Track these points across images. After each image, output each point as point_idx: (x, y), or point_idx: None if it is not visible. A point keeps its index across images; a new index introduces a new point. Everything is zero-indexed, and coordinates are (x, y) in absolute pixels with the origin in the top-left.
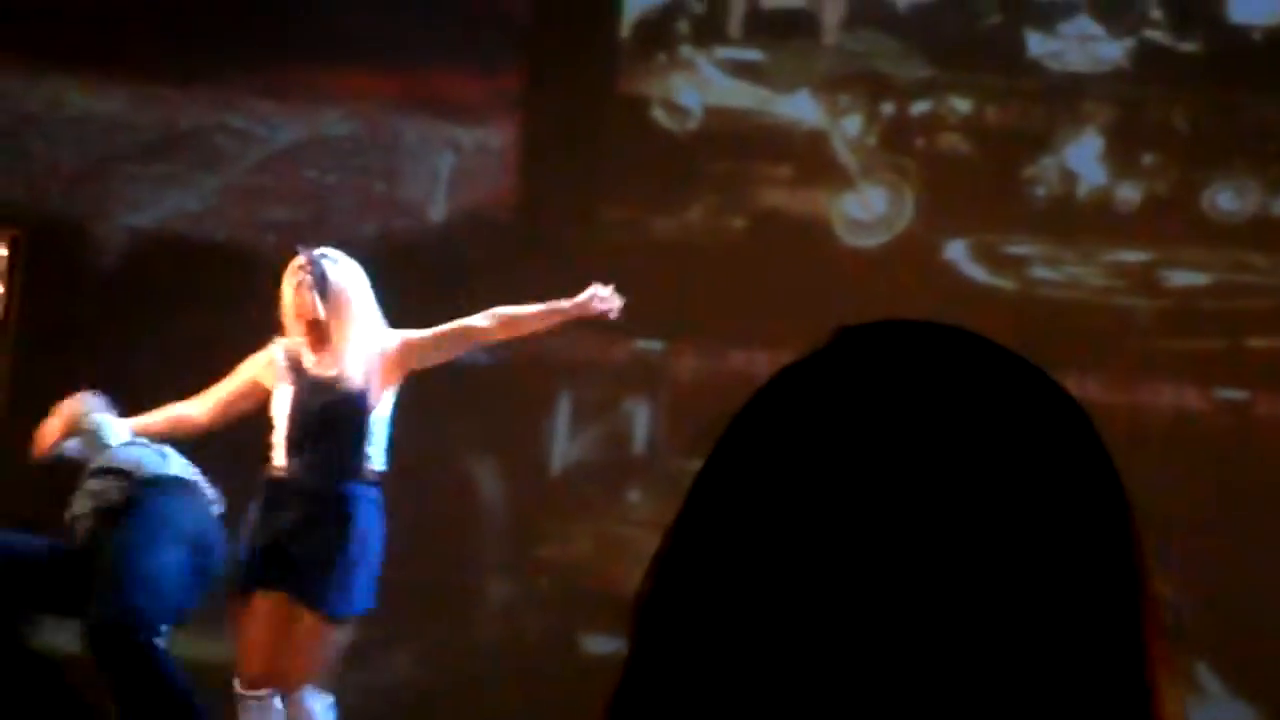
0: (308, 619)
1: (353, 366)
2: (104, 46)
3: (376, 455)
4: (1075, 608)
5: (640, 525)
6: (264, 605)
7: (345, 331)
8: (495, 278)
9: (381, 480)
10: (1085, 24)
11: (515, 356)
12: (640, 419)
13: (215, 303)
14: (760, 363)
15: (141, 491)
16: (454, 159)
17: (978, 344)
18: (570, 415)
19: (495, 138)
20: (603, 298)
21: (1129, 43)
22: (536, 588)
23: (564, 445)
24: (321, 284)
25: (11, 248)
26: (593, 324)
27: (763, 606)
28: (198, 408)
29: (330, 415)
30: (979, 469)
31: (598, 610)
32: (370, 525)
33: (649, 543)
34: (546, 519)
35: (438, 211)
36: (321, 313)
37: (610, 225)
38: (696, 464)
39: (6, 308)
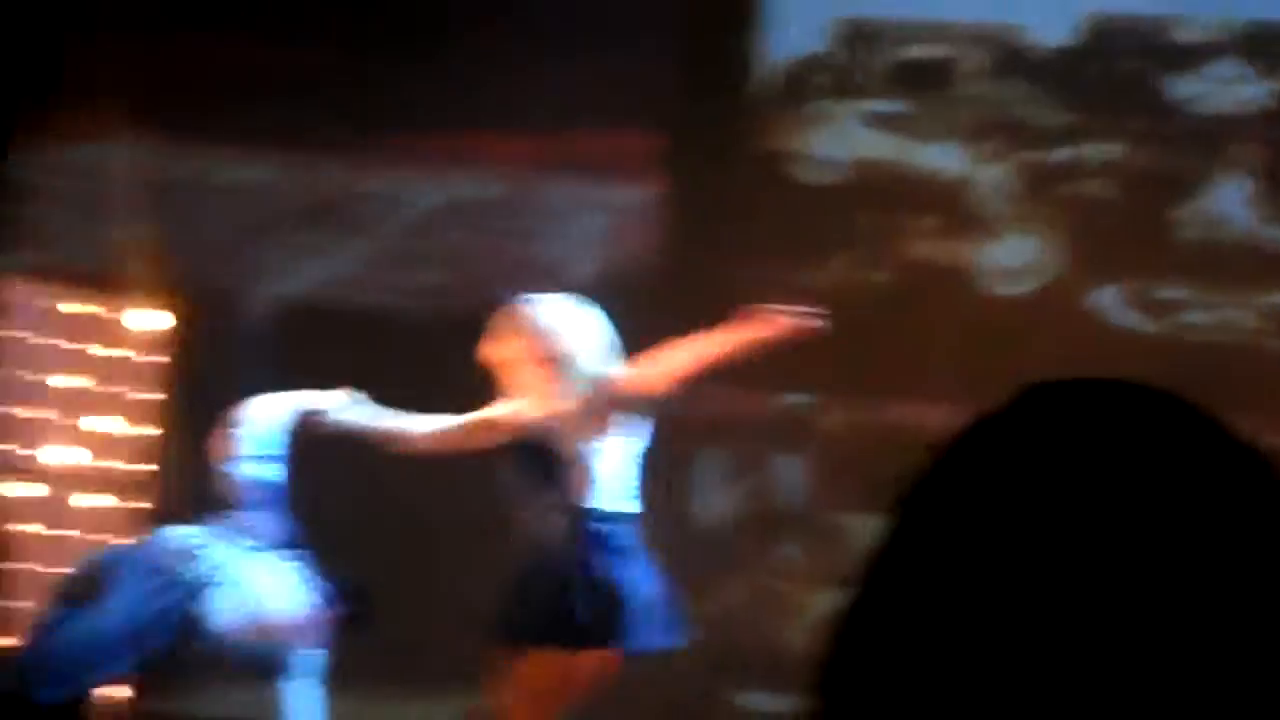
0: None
1: (555, 409)
2: (250, 117)
3: (606, 497)
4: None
5: (792, 579)
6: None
7: (547, 373)
8: (642, 337)
9: (627, 520)
10: (1229, 66)
11: (664, 412)
12: (791, 473)
13: (366, 368)
14: (910, 414)
15: None
16: (598, 219)
17: (1169, 401)
18: (721, 470)
19: (639, 197)
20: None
21: (1273, 83)
22: (690, 645)
23: (715, 500)
24: (527, 328)
25: (164, 319)
26: (741, 379)
27: (956, 668)
28: (421, 427)
29: (541, 461)
30: (1181, 534)
31: (752, 666)
32: (615, 565)
33: (802, 597)
34: (698, 575)
35: (583, 272)
36: (529, 355)
37: (755, 280)
38: (847, 517)
39: (161, 379)
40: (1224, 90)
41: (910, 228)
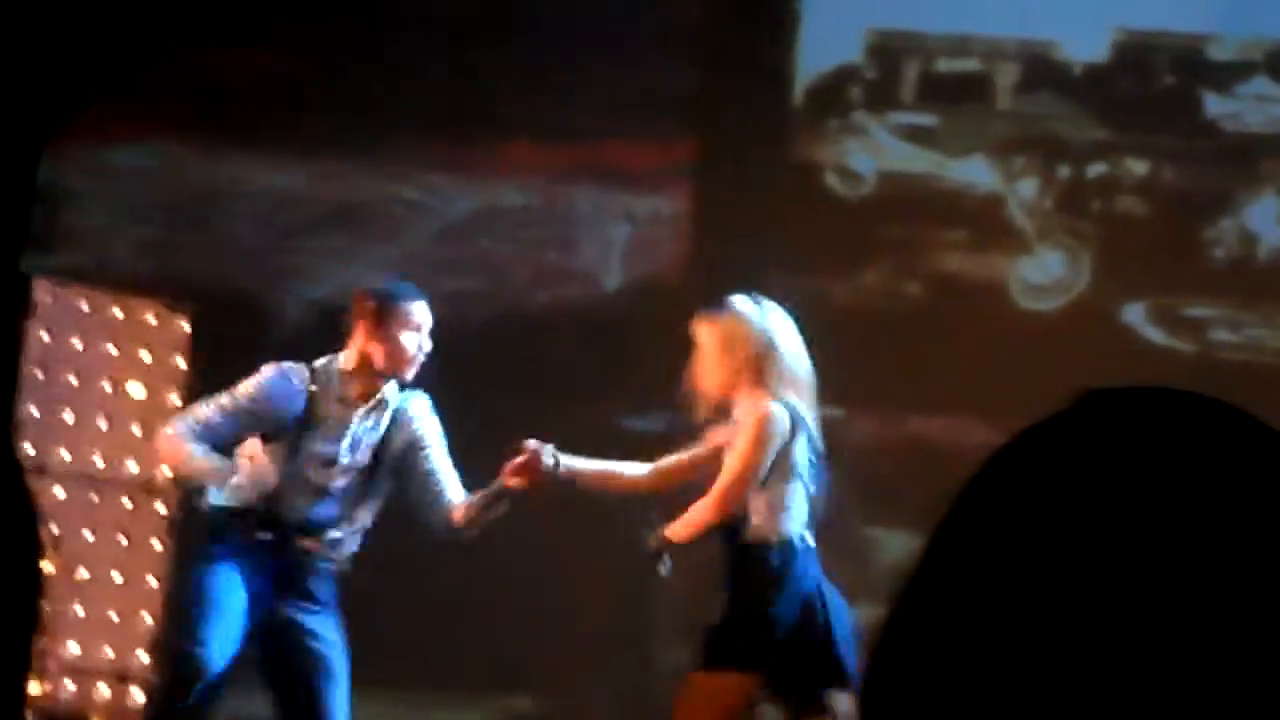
0: None
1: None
2: (283, 123)
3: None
4: None
5: None
6: None
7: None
8: (669, 347)
9: None
10: (1263, 84)
11: (691, 425)
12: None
13: None
14: (938, 427)
15: None
16: (628, 228)
17: (1227, 413)
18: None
19: (668, 206)
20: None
21: None
22: None
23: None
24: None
25: (192, 323)
26: None
27: (1004, 685)
28: (639, 469)
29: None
30: (1238, 547)
31: None
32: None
33: None
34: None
35: (612, 280)
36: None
37: (785, 292)
38: (877, 531)
39: (188, 382)
40: (1256, 108)
41: (942, 241)
